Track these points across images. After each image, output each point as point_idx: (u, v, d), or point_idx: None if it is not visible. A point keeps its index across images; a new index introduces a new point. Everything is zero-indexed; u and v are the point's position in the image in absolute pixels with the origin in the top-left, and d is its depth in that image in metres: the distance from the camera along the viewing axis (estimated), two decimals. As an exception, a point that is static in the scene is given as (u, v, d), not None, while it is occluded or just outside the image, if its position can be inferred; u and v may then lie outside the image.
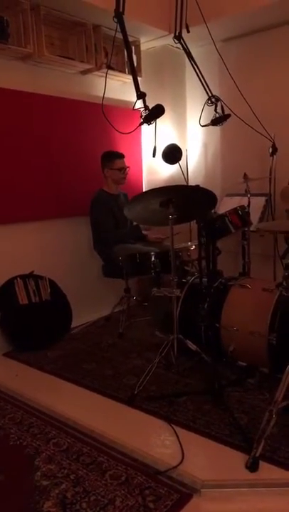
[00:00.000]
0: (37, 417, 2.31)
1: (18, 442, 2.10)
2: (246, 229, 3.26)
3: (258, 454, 1.81)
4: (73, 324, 3.51)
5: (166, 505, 1.67)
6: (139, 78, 2.76)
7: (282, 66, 3.74)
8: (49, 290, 3.36)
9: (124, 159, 3.58)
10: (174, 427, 2.12)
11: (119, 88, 3.88)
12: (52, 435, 2.15)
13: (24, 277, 3.28)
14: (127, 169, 3.59)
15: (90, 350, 3.16)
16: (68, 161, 3.58)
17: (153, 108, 2.54)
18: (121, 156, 3.56)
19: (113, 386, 2.58)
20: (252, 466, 1.79)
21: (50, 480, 1.83)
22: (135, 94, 2.58)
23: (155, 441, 2.04)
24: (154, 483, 1.78)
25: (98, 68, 3.57)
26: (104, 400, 2.46)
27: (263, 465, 1.82)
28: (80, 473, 1.86)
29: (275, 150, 3.49)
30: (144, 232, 3.64)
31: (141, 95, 2.57)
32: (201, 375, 2.59)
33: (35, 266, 3.36)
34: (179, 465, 1.84)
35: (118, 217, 3.49)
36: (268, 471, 1.80)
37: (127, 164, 3.59)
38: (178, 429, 2.10)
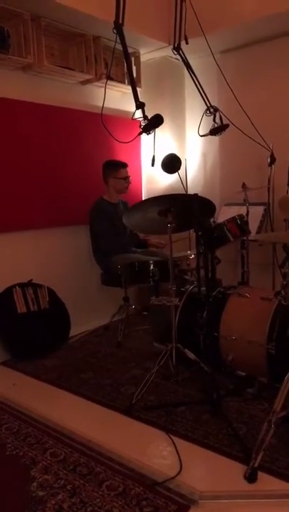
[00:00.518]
0: (34, 427, 2.29)
1: (14, 452, 2.07)
2: (245, 238, 3.27)
3: (256, 465, 1.80)
4: (72, 333, 3.50)
5: (164, 516, 1.65)
6: (138, 89, 2.79)
7: (280, 77, 3.78)
8: (48, 299, 3.35)
9: (128, 168, 3.61)
10: (172, 437, 2.11)
11: (118, 98, 3.92)
12: (49, 445, 2.13)
13: (23, 286, 3.27)
14: (130, 178, 3.61)
15: (88, 359, 3.15)
16: (68, 170, 3.60)
17: (152, 118, 2.56)
18: (125, 165, 3.59)
19: (111, 396, 2.56)
20: (250, 477, 1.77)
21: (47, 490, 1.81)
22: (134, 105, 2.61)
23: (153, 451, 2.02)
24: (151, 494, 1.76)
25: (98, 79, 3.61)
26: (101, 409, 2.44)
27: (262, 476, 1.80)
28: (76, 484, 1.84)
29: (273, 160, 3.51)
30: (144, 237, 3.64)
31: (140, 105, 2.60)
32: (200, 385, 2.58)
33: (34, 274, 3.36)
34: (176, 476, 1.83)
35: (117, 226, 3.49)
36: (267, 482, 1.78)
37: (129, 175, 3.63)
38: (176, 440, 2.09)
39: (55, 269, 3.56)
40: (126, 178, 3.57)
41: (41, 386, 2.77)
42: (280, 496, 1.72)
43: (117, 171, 3.54)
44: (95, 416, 2.39)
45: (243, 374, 2.56)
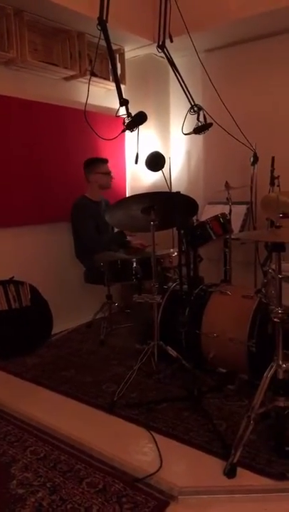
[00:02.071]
0: (14, 425, 2.27)
1: (-6, 450, 2.06)
2: (228, 236, 3.29)
3: (235, 461, 1.81)
4: (54, 331, 3.47)
5: (143, 512, 1.65)
6: (123, 86, 2.79)
7: (264, 77, 3.82)
8: (29, 296, 3.32)
9: (108, 164, 3.60)
10: (153, 433, 2.11)
11: (103, 95, 3.91)
12: (29, 443, 2.11)
13: (4, 283, 3.24)
14: (112, 174, 3.61)
15: (71, 357, 3.13)
16: (50, 167, 3.57)
17: (135, 115, 2.57)
18: (106, 160, 3.60)
19: (93, 393, 2.56)
20: (230, 473, 1.79)
21: (26, 488, 1.79)
22: (118, 102, 2.60)
23: (134, 448, 2.03)
24: (131, 490, 1.77)
25: (82, 75, 3.59)
26: (83, 407, 2.43)
27: (241, 471, 1.81)
28: (56, 481, 1.83)
29: (256, 159, 3.54)
30: (128, 238, 3.64)
31: (124, 102, 2.60)
32: (182, 382, 2.59)
33: (16, 272, 3.32)
34: (156, 472, 1.83)
35: (100, 224, 3.48)
36: (246, 477, 1.79)
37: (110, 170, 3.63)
38: (157, 436, 2.09)
39: (37, 267, 3.54)
40: (107, 173, 3.57)
41: (22, 384, 2.74)
42: (258, 491, 1.74)
43: (98, 166, 3.55)
44: (76, 413, 2.38)
45: (224, 371, 2.58)
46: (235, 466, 1.81)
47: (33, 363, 3.02)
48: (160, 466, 1.86)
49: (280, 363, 1.90)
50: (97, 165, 3.55)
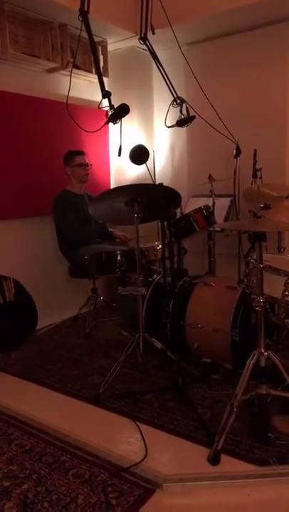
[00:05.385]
0: (-1, 419, 2.27)
1: (-21, 444, 2.05)
2: (211, 229, 3.32)
3: (219, 448, 1.84)
4: (39, 325, 3.46)
5: (129, 501, 1.67)
6: (105, 79, 2.76)
7: (246, 70, 3.83)
8: (14, 291, 3.30)
9: (85, 156, 3.59)
10: (139, 424, 2.13)
11: (86, 88, 3.88)
12: (14, 436, 2.11)
13: (-12, 278, 3.21)
14: (89, 166, 3.58)
15: (56, 351, 3.13)
16: (33, 160, 3.54)
17: (118, 107, 2.55)
18: (80, 152, 3.57)
19: (78, 386, 2.56)
20: (213, 460, 1.82)
21: (12, 481, 1.80)
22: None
23: (119, 438, 2.04)
24: (117, 480, 1.78)
25: (64, 67, 3.55)
26: (68, 399, 2.44)
27: (225, 458, 1.84)
28: (42, 473, 1.84)
29: (238, 152, 3.56)
30: (110, 229, 3.63)
31: (106, 94, 2.58)
32: (167, 373, 2.61)
33: None
34: (142, 461, 1.85)
35: (81, 217, 3.47)
36: (229, 463, 1.83)
37: (91, 162, 3.61)
38: (142, 426, 2.11)
39: (21, 261, 3.51)
40: (81, 165, 3.54)
41: (7, 378, 2.74)
42: (242, 477, 1.77)
43: (72, 158, 3.53)
44: (62, 406, 2.39)
45: (209, 361, 2.61)
46: (219, 453, 1.84)
47: (18, 357, 3.01)
48: (145, 456, 1.89)
49: (262, 350, 1.93)
50: (72, 158, 3.53)
